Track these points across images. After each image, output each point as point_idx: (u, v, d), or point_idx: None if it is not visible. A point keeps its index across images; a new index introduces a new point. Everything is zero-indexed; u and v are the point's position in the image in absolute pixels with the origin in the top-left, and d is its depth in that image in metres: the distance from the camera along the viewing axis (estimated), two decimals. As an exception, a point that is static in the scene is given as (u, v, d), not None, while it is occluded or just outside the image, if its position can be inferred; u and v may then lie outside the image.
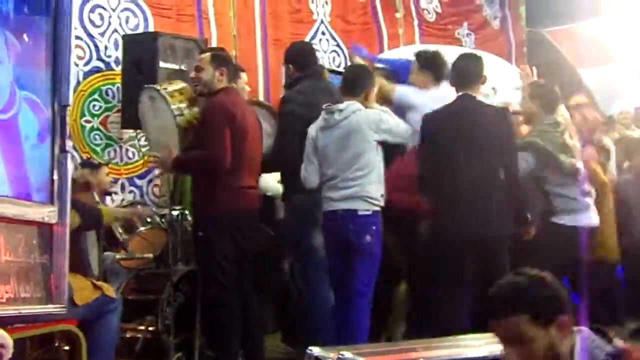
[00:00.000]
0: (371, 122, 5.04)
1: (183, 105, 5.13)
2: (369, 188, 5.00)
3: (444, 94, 5.39)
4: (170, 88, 5.22)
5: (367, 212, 5.00)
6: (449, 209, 5.05)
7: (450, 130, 5.12)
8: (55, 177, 2.64)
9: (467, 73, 5.28)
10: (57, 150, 2.68)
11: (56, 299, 2.16)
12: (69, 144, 2.74)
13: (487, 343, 3.75)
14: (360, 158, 5.03)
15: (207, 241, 4.96)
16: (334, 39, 8.33)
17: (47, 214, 2.72)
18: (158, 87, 5.25)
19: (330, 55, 8.27)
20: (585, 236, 5.53)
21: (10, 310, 2.74)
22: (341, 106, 5.11)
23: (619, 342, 2.37)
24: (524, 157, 5.44)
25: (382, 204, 5.04)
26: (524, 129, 5.95)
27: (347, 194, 5.00)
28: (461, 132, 5.10)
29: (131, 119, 5.84)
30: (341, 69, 7.79)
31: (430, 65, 5.66)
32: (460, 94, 5.23)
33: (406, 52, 7.40)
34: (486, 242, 5.02)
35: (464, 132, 5.09)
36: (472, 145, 5.06)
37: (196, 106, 5.16)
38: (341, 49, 8.36)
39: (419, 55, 5.84)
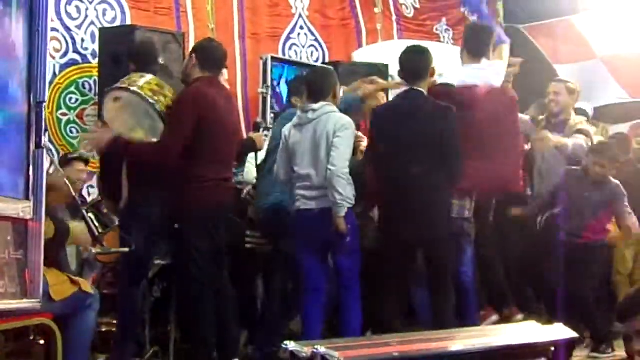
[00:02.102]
0: (336, 125, 5.02)
1: (154, 94, 4.98)
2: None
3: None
4: (138, 82, 5.03)
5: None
6: (394, 210, 5.05)
7: (395, 129, 5.07)
8: (31, 172, 2.63)
9: (413, 68, 5.17)
10: (32, 146, 2.66)
11: (31, 294, 2.15)
12: (44, 139, 2.72)
13: (461, 337, 3.80)
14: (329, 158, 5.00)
15: (181, 234, 4.94)
16: (312, 33, 8.34)
17: (22, 209, 2.71)
18: (124, 85, 4.98)
19: (308, 50, 8.27)
20: None
21: (-15, 306, 2.73)
22: (315, 106, 5.11)
23: None
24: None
25: (353, 202, 5.03)
26: None
27: (322, 193, 5.01)
28: (405, 131, 5.03)
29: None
30: (319, 64, 7.82)
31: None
32: (407, 89, 5.18)
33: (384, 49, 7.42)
34: (429, 244, 5.06)
35: (408, 130, 5.02)
36: (414, 144, 5.00)
37: (168, 91, 5.01)
38: (319, 43, 8.36)
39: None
